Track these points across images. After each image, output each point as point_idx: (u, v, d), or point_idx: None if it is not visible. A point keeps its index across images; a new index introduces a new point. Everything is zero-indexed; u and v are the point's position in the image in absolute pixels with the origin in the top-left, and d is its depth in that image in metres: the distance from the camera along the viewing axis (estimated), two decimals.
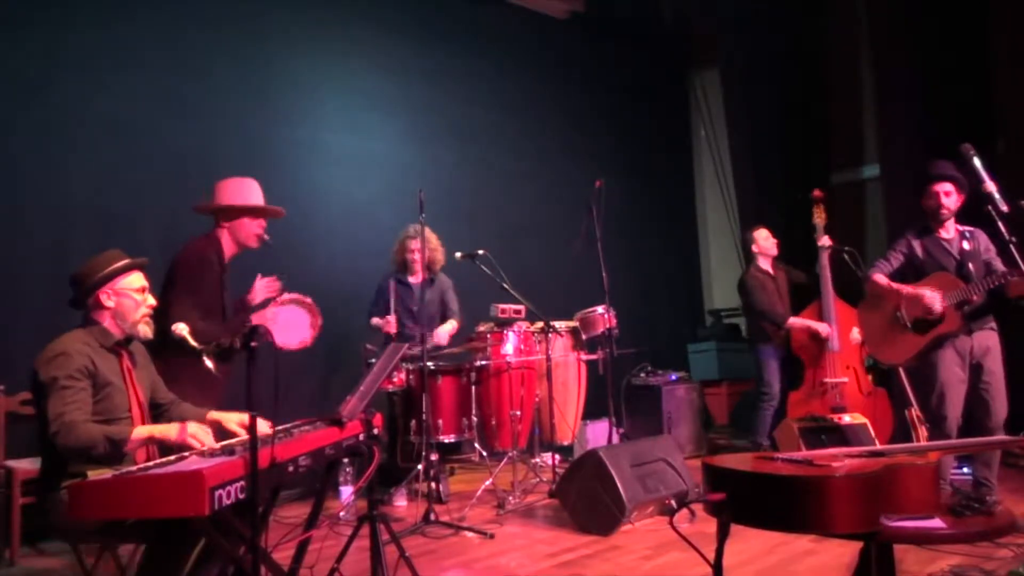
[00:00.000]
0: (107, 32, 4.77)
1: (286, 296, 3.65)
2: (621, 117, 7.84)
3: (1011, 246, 2.76)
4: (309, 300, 3.70)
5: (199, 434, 2.46)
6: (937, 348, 3.83)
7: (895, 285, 3.97)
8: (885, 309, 4.04)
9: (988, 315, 3.85)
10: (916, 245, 3.98)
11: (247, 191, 3.70)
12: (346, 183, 5.86)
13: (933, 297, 3.79)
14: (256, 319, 3.55)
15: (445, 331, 5.20)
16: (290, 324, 3.63)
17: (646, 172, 7.94)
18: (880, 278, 4.01)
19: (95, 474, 2.21)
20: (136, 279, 2.74)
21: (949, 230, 3.94)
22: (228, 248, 3.67)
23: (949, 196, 3.86)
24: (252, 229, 3.67)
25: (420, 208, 4.49)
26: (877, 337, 4.17)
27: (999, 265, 3.83)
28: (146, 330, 2.74)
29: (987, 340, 3.82)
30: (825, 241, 5.35)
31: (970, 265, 3.83)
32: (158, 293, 3.33)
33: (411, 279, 5.21)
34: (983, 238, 3.93)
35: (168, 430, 2.50)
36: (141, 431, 2.50)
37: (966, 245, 3.89)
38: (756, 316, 5.54)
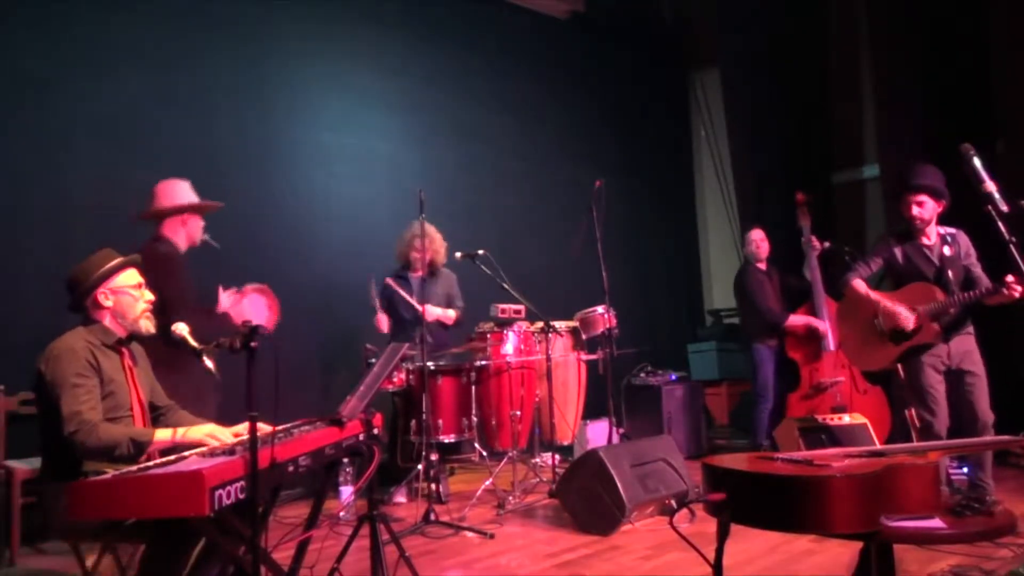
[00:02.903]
0: (106, 31, 4.77)
1: (248, 287, 3.79)
2: (621, 117, 7.84)
3: (1011, 246, 2.76)
4: (266, 286, 3.86)
5: (217, 435, 2.52)
6: (914, 356, 3.85)
7: (872, 295, 3.98)
8: (862, 315, 4.04)
9: (965, 321, 3.84)
10: (897, 251, 3.97)
11: (189, 191, 3.83)
12: (346, 183, 5.86)
13: (908, 318, 3.82)
14: (226, 309, 3.66)
15: (437, 311, 5.08)
16: (254, 311, 3.76)
17: (646, 172, 7.94)
18: (858, 284, 4.02)
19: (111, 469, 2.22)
20: (131, 276, 2.73)
21: (930, 235, 3.92)
22: (181, 247, 3.80)
23: (923, 206, 3.84)
24: (200, 227, 3.82)
25: (420, 208, 4.50)
26: (854, 343, 4.19)
27: (978, 271, 3.84)
28: (148, 325, 2.74)
29: (964, 345, 3.82)
30: (813, 243, 5.36)
31: (949, 272, 3.83)
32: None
33: (411, 275, 5.20)
34: (964, 241, 3.92)
35: (187, 433, 2.53)
36: (163, 434, 2.51)
37: (947, 250, 3.87)
38: (755, 315, 5.53)
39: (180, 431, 2.55)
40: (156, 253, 3.58)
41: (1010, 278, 3.51)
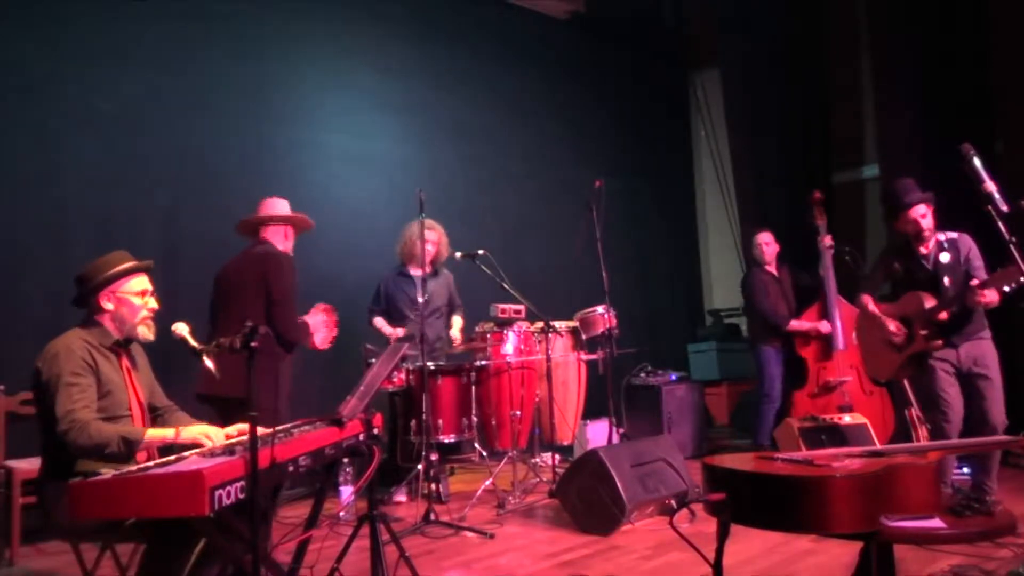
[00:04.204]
0: (107, 32, 4.77)
1: (320, 305, 4.13)
2: (621, 117, 7.84)
3: (1011, 246, 2.75)
4: (330, 306, 4.23)
5: (211, 435, 2.50)
6: (920, 364, 3.86)
7: (872, 311, 4.03)
8: (875, 326, 4.08)
9: (977, 326, 3.81)
10: (896, 264, 3.99)
11: (288, 208, 4.13)
12: (346, 183, 5.86)
13: (895, 334, 3.89)
14: (310, 321, 4.03)
15: (459, 328, 5.26)
16: (322, 328, 4.12)
17: (646, 172, 7.94)
18: (866, 300, 4.08)
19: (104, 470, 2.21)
20: (138, 282, 2.72)
21: (928, 244, 3.90)
22: None
23: (925, 217, 3.84)
24: (293, 242, 4.11)
25: (420, 208, 4.50)
26: (868, 352, 4.26)
27: (981, 275, 3.77)
28: (146, 332, 2.73)
29: (975, 350, 3.78)
30: (828, 242, 5.37)
31: (945, 279, 3.80)
32: (238, 298, 3.79)
33: (413, 271, 5.19)
34: (966, 246, 3.87)
35: (181, 432, 2.52)
36: (154, 434, 2.50)
37: (944, 258, 3.84)
38: (759, 317, 5.56)
39: (172, 431, 2.54)
40: (269, 252, 3.90)
41: (974, 282, 3.51)
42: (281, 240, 4.05)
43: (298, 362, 5.11)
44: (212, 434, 2.52)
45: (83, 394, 2.46)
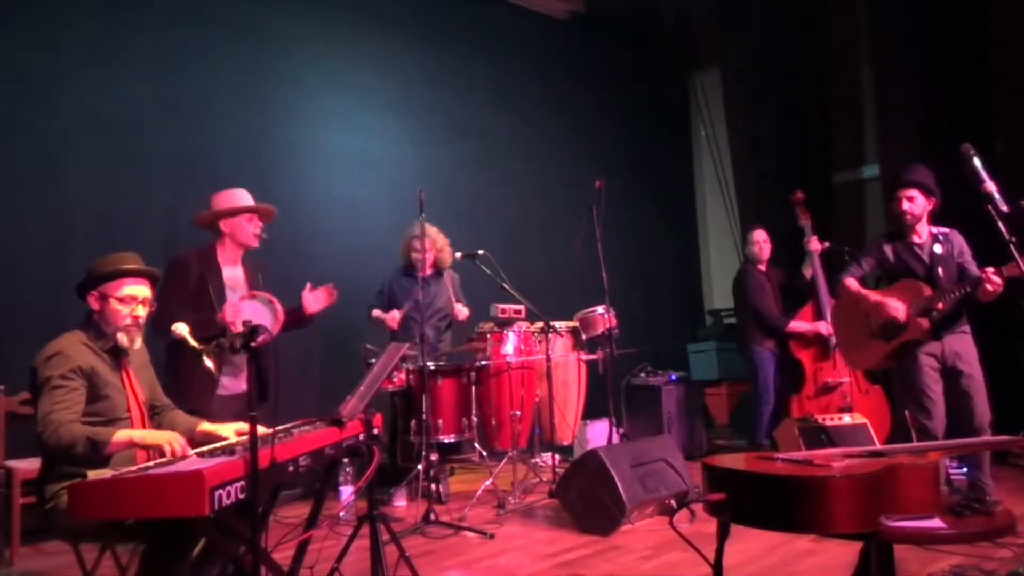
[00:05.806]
0: (107, 32, 4.78)
1: (259, 292, 3.78)
2: (621, 117, 7.84)
3: (1011, 246, 2.76)
4: (276, 301, 3.77)
5: (174, 443, 2.43)
6: (906, 355, 3.85)
7: (863, 292, 4.00)
8: (855, 315, 4.06)
9: (959, 320, 3.83)
10: (888, 250, 3.98)
11: (236, 197, 3.89)
12: (346, 183, 5.86)
13: (896, 307, 3.84)
14: (226, 307, 3.60)
15: (463, 315, 5.19)
16: (254, 318, 3.62)
17: (646, 172, 7.94)
18: (851, 282, 4.05)
19: (95, 474, 2.21)
20: (131, 288, 2.66)
21: (921, 234, 3.92)
22: (229, 252, 3.84)
23: (912, 201, 3.84)
24: (249, 230, 3.86)
25: (420, 208, 4.50)
26: (848, 341, 4.22)
27: (973, 270, 3.80)
28: (124, 339, 2.65)
29: (957, 344, 3.80)
30: (815, 243, 5.34)
31: (939, 270, 3.82)
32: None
33: (418, 274, 5.17)
34: (958, 240, 3.91)
35: (146, 436, 2.49)
36: (122, 435, 2.46)
37: (938, 249, 3.87)
38: (752, 317, 5.53)
39: (139, 433, 2.51)
40: (173, 260, 3.70)
41: (990, 269, 3.52)
42: (223, 236, 3.79)
43: (298, 362, 5.15)
44: (175, 441, 2.43)
45: (66, 397, 2.45)
